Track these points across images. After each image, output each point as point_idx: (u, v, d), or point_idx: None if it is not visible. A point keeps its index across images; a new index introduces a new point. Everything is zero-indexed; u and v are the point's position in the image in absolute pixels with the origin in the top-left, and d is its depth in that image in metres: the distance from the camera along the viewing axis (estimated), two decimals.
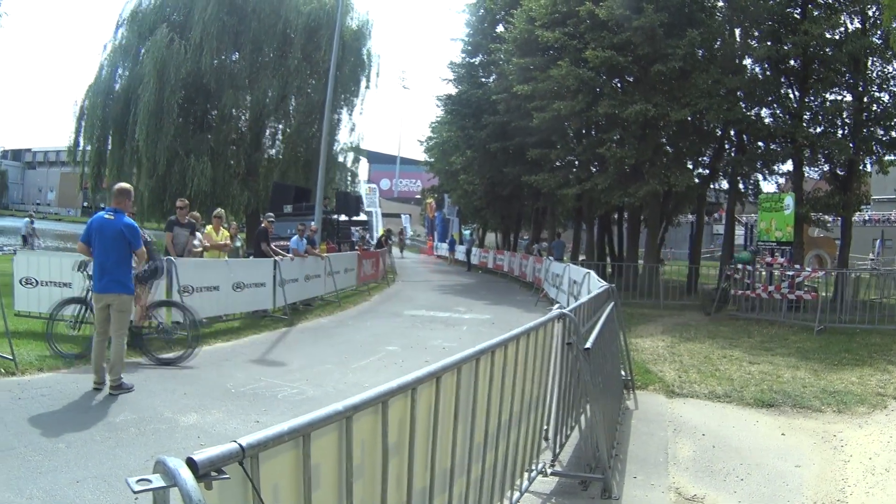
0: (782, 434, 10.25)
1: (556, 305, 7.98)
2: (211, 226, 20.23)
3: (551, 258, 32.43)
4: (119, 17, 40.37)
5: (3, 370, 11.93)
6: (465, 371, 4.77)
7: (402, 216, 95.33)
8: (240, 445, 2.58)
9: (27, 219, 47.29)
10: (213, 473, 2.45)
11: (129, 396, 10.78)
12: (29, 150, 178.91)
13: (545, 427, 8.08)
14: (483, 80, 48.34)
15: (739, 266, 26.04)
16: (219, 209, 21.41)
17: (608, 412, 8.72)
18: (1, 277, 19.04)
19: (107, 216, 11.20)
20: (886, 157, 31.49)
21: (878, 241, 55.77)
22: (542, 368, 7.27)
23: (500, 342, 5.51)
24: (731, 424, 10.70)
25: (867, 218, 67.61)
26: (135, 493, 2.36)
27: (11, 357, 12.15)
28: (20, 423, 9.25)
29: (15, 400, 10.40)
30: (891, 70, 30.51)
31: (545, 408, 7.76)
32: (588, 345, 7.37)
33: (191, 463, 2.39)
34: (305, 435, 3.02)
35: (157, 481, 2.35)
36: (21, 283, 16.75)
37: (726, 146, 34.43)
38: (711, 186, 37.14)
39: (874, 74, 30.58)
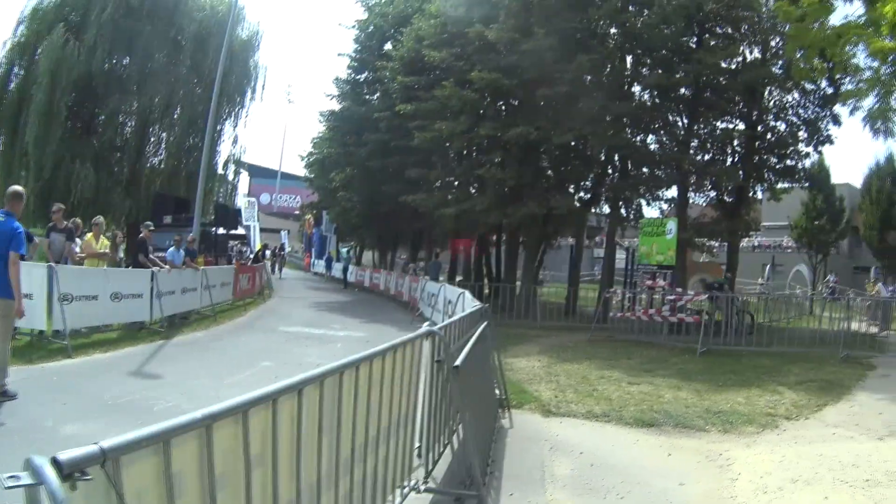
0: (668, 454, 10.37)
1: (427, 323, 8.08)
2: (91, 233, 20.01)
3: (427, 277, 32.79)
4: (20, 15, 39.36)
5: None
6: (329, 384, 4.75)
7: (281, 232, 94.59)
8: (101, 448, 2.65)
9: None
10: (78, 474, 2.50)
11: (11, 404, 10.64)
12: None
13: (417, 445, 8.03)
14: (367, 97, 48.64)
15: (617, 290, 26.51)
16: (98, 217, 21.17)
17: (482, 429, 8.82)
18: None
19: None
20: (779, 185, 32.41)
21: (769, 266, 57.01)
22: (411, 385, 7.28)
23: (366, 356, 5.54)
24: (610, 443, 10.79)
25: (757, 244, 69.00)
26: (5, 488, 2.42)
27: None
28: None
29: None
30: (790, 99, 31.41)
31: (415, 424, 7.72)
32: (457, 363, 7.45)
33: (55, 462, 2.46)
34: (165, 441, 3.08)
35: (26, 479, 2.44)
36: None
37: (609, 171, 34.81)
38: (593, 210, 37.62)
39: (771, 104, 31.45)
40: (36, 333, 16.02)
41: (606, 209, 36.99)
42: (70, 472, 2.52)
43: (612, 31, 32.27)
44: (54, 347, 15.59)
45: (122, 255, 25.47)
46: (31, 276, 14.92)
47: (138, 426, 3.02)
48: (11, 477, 2.45)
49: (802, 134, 31.86)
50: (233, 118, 45.20)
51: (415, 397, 7.51)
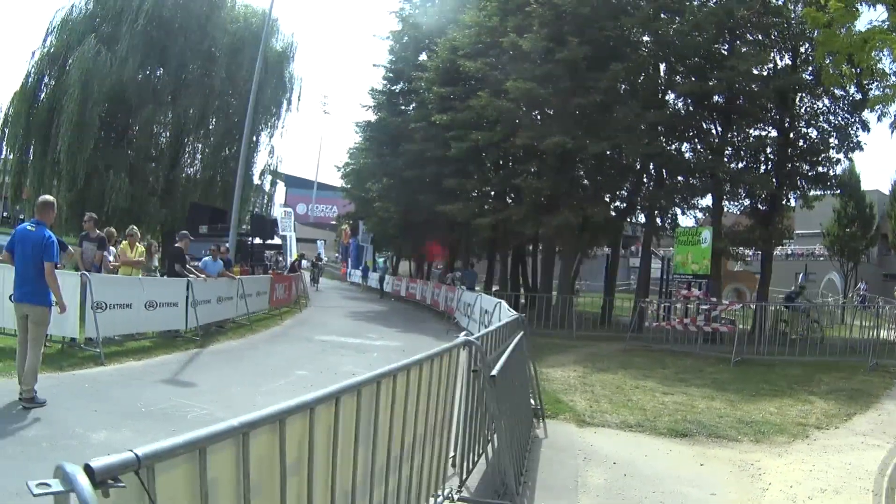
0: (700, 464, 10.31)
1: (464, 333, 8.02)
2: (126, 242, 20.08)
3: (463, 287, 32.59)
4: (49, 25, 39.66)
5: None
6: (366, 393, 4.69)
7: (318, 241, 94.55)
8: (135, 455, 2.59)
9: None
10: (110, 481, 2.45)
11: (40, 411, 10.62)
12: None
13: (452, 454, 8.01)
14: (403, 107, 48.45)
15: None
16: (133, 227, 21.27)
17: (516, 439, 8.74)
18: None
19: (29, 227, 11.28)
20: (812, 192, 32.10)
21: (802, 274, 56.47)
22: (447, 394, 7.24)
23: (403, 366, 5.49)
24: (643, 453, 10.73)
25: (790, 252, 68.44)
26: (34, 495, 2.38)
27: None
28: None
29: None
30: (820, 106, 31.14)
31: (451, 433, 7.70)
32: (494, 372, 7.43)
33: (88, 470, 2.41)
34: (202, 449, 3.03)
35: (57, 486, 2.38)
36: None
37: (645, 180, 34.68)
38: (628, 220, 37.45)
39: (802, 110, 31.16)
40: (68, 341, 15.97)
41: (642, 218, 36.82)
42: (103, 479, 2.45)
43: (645, 38, 32.25)
44: (86, 355, 15.57)
45: (156, 264, 25.54)
46: (64, 284, 14.38)
47: (171, 434, 2.98)
48: (41, 484, 2.41)
49: (833, 140, 31.57)
50: (269, 129, 45.74)
51: (451, 407, 7.47)
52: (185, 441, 2.93)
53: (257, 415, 3.41)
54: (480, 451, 8.94)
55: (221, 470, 3.25)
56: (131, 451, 2.63)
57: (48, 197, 11.85)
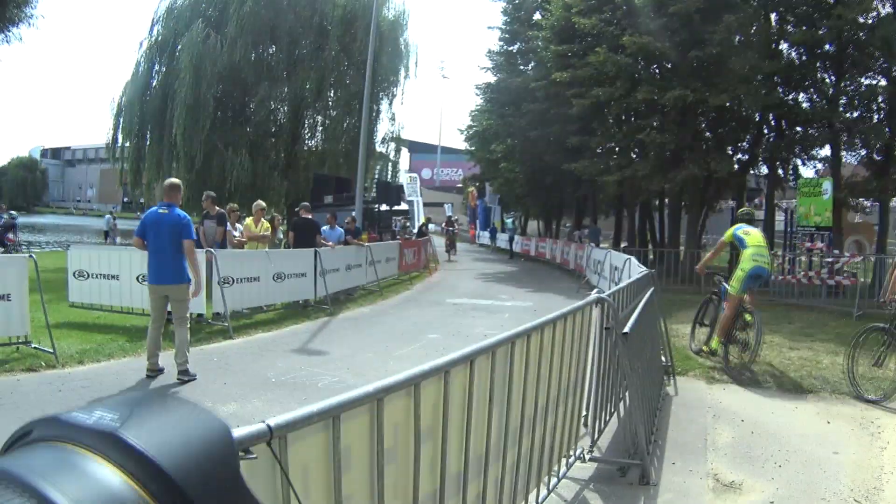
0: (826, 422, 10.15)
1: (595, 290, 7.94)
2: (251, 218, 20.31)
3: (592, 245, 32.35)
4: (154, 15, 40.74)
5: (44, 363, 12.20)
6: (501, 354, 4.73)
7: (445, 205, 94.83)
8: (268, 426, 2.62)
9: (108, 216, 48.14)
10: (241, 454, 2.47)
11: (167, 387, 11.01)
12: (68, 148, 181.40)
13: (584, 413, 8.03)
14: (521, 67, 48.31)
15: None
16: (259, 202, 21.50)
17: (647, 398, 8.76)
18: (47, 273, 19.27)
19: (161, 210, 11.70)
20: None
21: None
22: (580, 353, 7.25)
23: (537, 325, 5.47)
24: (769, 410, 10.65)
25: None
26: None
27: (52, 350, 12.45)
28: None
29: (55, 392, 10.62)
30: None
31: (583, 393, 7.73)
32: (626, 329, 7.38)
33: None
34: (335, 416, 3.05)
35: None
36: (74, 276, 17.62)
37: (765, 131, 34.18)
38: (751, 172, 36.85)
39: None
40: (195, 317, 16.14)
41: (764, 170, 36.29)
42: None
43: None
44: (214, 329, 16.01)
45: (280, 236, 25.77)
46: None
47: (302, 403, 2.94)
48: None
49: None
50: (388, 97, 45.92)
51: (584, 365, 7.51)
52: (318, 409, 2.96)
53: (392, 380, 3.42)
54: (612, 410, 8.90)
55: (355, 437, 3.29)
56: (263, 422, 2.65)
57: (175, 180, 12.38)
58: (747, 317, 13.49)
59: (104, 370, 12.16)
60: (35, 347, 12.84)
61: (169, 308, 11.92)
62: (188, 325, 11.87)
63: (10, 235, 38.47)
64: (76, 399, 10.16)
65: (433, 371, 3.77)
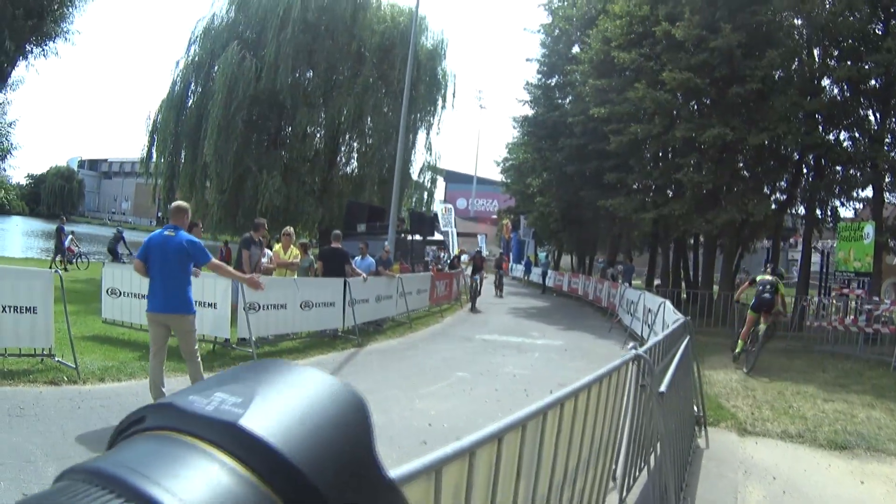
0: (860, 482, 9.87)
1: (631, 345, 7.66)
2: (280, 244, 20.14)
3: (626, 284, 32.20)
4: (191, 34, 41.24)
5: (66, 378, 12.27)
6: (531, 427, 4.41)
7: (479, 236, 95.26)
8: None
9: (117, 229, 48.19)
10: None
11: None
12: (105, 160, 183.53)
13: (613, 467, 7.71)
14: (559, 101, 48.28)
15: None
16: (288, 228, 21.34)
17: (678, 451, 8.53)
18: (82, 285, 19.24)
19: (167, 233, 10.85)
20: None
21: None
22: (615, 414, 6.97)
23: (571, 393, 5.17)
24: (802, 468, 10.38)
25: None
26: None
27: (74, 366, 12.51)
28: (78, 432, 9.47)
29: (75, 409, 10.62)
30: None
31: (615, 450, 7.41)
32: (662, 388, 7.18)
33: None
34: None
35: None
36: (107, 293, 17.56)
37: (804, 171, 33.85)
38: (788, 212, 36.49)
39: None
40: (221, 341, 16.32)
41: (801, 210, 35.81)
42: None
43: (797, 21, 31.48)
44: (238, 354, 15.97)
45: (311, 260, 25.76)
46: (215, 286, 15.55)
47: None
48: None
49: None
50: (425, 126, 46.01)
51: (617, 425, 7.20)
52: None
53: (411, 467, 3.08)
54: (642, 466, 8.66)
55: None
56: None
57: (182, 202, 11.67)
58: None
59: (124, 390, 12.11)
60: (58, 361, 12.88)
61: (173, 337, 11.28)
62: (199, 358, 11.32)
63: (120, 249, 39.71)
64: (94, 418, 10.18)
65: (457, 454, 3.41)
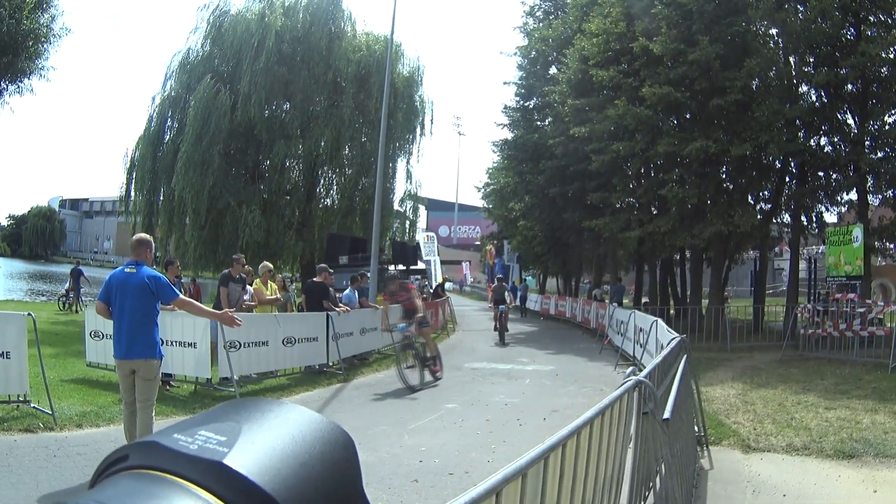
0: (873, 491, 9.53)
1: (630, 370, 7.28)
2: (259, 279, 19.81)
3: (615, 304, 32.04)
4: (167, 69, 41.29)
5: (41, 424, 12.03)
6: (532, 475, 4.01)
7: (462, 263, 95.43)
8: None
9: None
10: None
11: None
12: (86, 199, 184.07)
13: (617, 500, 7.29)
14: (538, 123, 48.41)
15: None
16: (266, 263, 21.04)
17: (683, 475, 8.27)
18: (64, 327, 19.09)
19: (128, 270, 9.97)
20: None
21: None
22: (618, 445, 6.54)
23: (572, 431, 4.76)
24: (812, 481, 10.01)
25: None
26: None
27: (51, 412, 12.22)
28: (52, 482, 9.18)
29: (50, 458, 10.31)
30: None
31: (619, 483, 6.99)
32: (666, 415, 6.88)
33: None
34: None
35: None
36: (91, 336, 17.45)
37: (787, 179, 34.07)
38: (773, 220, 36.44)
39: None
40: (202, 382, 16.04)
41: (787, 218, 36.01)
42: None
43: (773, 31, 31.88)
44: (221, 395, 15.77)
45: (291, 296, 25.34)
46: (195, 325, 15.24)
47: None
48: None
49: None
50: (404, 154, 45.97)
51: (621, 456, 6.72)
52: None
53: None
54: (646, 494, 8.12)
55: None
56: None
57: (145, 235, 11.01)
58: None
59: (102, 436, 11.75)
60: (34, 407, 12.62)
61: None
62: (153, 411, 10.28)
63: (82, 285, 40.17)
64: (69, 467, 9.84)
65: None
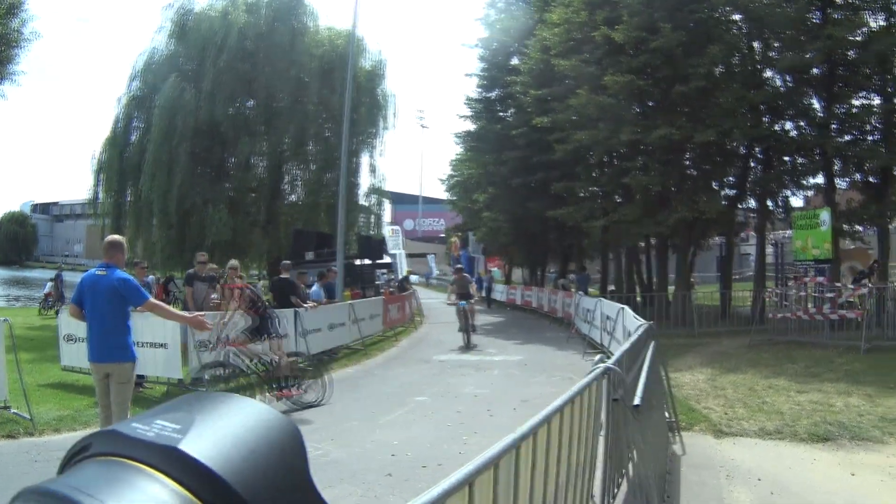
0: (851, 474, 9.55)
1: (598, 357, 7.29)
2: (227, 278, 19.81)
3: (581, 293, 31.92)
4: (132, 69, 41.14)
5: (22, 430, 12.16)
6: (504, 465, 3.99)
7: (428, 256, 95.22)
8: None
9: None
10: None
11: None
12: (56, 203, 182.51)
13: (592, 493, 7.30)
14: (501, 114, 48.21)
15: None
16: (233, 261, 20.97)
17: (656, 462, 8.24)
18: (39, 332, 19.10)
19: (98, 272, 9.78)
20: None
21: None
22: (589, 432, 6.54)
23: (543, 419, 4.75)
24: (787, 465, 10.01)
25: None
26: None
27: (29, 417, 12.30)
28: None
29: (31, 463, 10.38)
30: None
31: (591, 470, 7.02)
32: (637, 401, 6.86)
33: None
34: None
35: None
36: (65, 340, 17.49)
37: (752, 164, 34.02)
38: (739, 206, 36.53)
39: None
40: (174, 382, 15.98)
41: (752, 203, 35.86)
42: None
43: (736, 17, 31.65)
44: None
45: (262, 295, 25.38)
46: (164, 325, 15.21)
47: None
48: None
49: None
50: (368, 148, 46.13)
51: (593, 443, 6.76)
52: None
53: None
54: (620, 481, 8.17)
55: None
56: None
57: (117, 237, 10.63)
58: None
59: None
60: (14, 413, 12.72)
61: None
62: (129, 414, 9.74)
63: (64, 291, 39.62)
64: (52, 471, 9.08)
65: None
